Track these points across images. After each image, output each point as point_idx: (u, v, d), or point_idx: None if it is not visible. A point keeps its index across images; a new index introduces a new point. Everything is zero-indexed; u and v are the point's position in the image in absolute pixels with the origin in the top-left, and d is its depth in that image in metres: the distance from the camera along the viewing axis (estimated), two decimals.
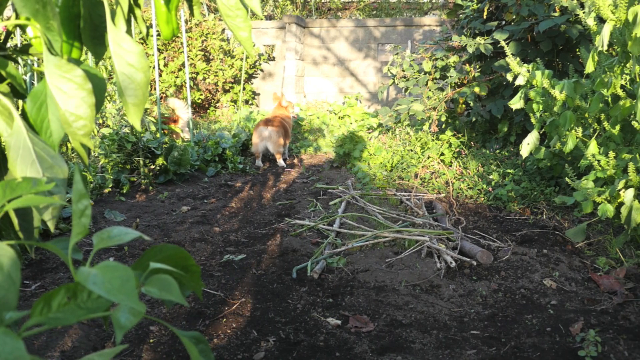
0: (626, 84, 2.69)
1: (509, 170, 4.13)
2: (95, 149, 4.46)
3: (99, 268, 0.59)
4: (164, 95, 9.38)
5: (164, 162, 4.74)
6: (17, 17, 0.81)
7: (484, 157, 4.78)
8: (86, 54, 4.19)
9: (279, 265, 2.75)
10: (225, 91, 10.65)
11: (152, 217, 3.67)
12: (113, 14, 0.84)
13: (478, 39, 4.94)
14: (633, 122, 2.48)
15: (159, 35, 8.46)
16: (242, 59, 10.47)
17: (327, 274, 2.65)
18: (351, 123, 9.09)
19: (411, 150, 5.45)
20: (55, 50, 0.75)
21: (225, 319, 2.17)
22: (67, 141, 3.85)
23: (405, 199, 4.04)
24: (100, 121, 5.00)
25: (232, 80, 10.52)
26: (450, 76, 5.47)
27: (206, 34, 10.29)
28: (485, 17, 5.28)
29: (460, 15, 5.78)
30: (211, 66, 10.15)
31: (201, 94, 10.16)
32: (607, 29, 2.34)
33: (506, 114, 5.06)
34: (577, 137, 2.95)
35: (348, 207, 3.95)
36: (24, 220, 0.83)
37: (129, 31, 0.88)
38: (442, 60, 5.67)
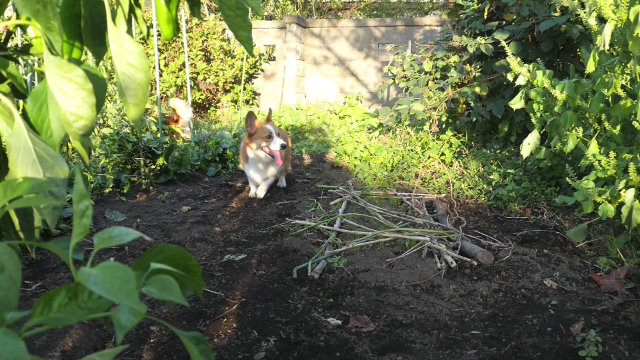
0: (627, 84, 2.69)
1: (509, 170, 4.13)
2: (96, 149, 4.46)
3: (100, 268, 0.59)
4: (165, 95, 9.38)
5: (165, 162, 4.74)
6: (18, 17, 0.82)
7: (485, 157, 4.78)
8: (86, 54, 4.19)
9: (279, 265, 2.76)
10: (226, 91, 10.66)
11: (152, 217, 3.67)
12: (114, 14, 0.84)
13: (479, 39, 4.94)
14: (634, 122, 2.48)
15: (159, 35, 8.48)
16: (242, 59, 10.48)
17: (328, 274, 2.65)
18: (352, 123, 9.10)
19: (412, 150, 5.45)
20: (55, 51, 0.75)
21: (225, 319, 2.17)
22: (67, 141, 3.85)
23: (406, 199, 4.04)
24: (101, 121, 5.00)
25: (233, 80, 10.53)
26: (451, 76, 5.47)
27: (207, 34, 10.30)
28: (485, 17, 5.28)
29: (461, 15, 5.78)
30: (212, 66, 10.16)
31: (202, 94, 10.17)
32: (608, 28, 2.34)
33: (507, 114, 5.06)
34: (577, 137, 2.95)
35: (348, 207, 3.95)
36: (24, 220, 0.83)
37: (129, 31, 0.88)
38: (443, 60, 5.67)
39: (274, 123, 4.23)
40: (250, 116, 4.03)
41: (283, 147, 3.93)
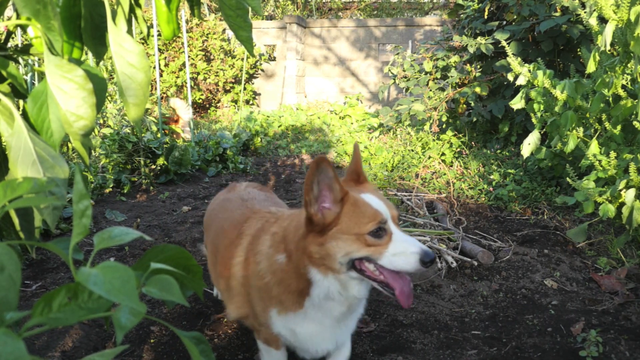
0: (627, 84, 2.68)
1: (510, 170, 4.13)
2: (96, 149, 4.47)
3: (100, 268, 0.59)
4: (165, 95, 9.39)
5: (165, 162, 4.74)
6: (18, 17, 0.81)
7: (485, 157, 4.78)
8: (86, 53, 4.19)
9: None
10: (226, 91, 10.66)
11: (153, 217, 3.67)
12: (114, 14, 0.84)
13: (479, 39, 4.94)
14: (634, 122, 2.48)
15: (159, 35, 8.48)
16: (242, 59, 10.48)
17: None
18: (352, 123, 9.10)
19: (412, 150, 5.45)
20: (56, 51, 0.75)
21: (226, 319, 2.17)
22: (67, 141, 3.86)
23: (406, 199, 4.04)
24: (101, 121, 5.00)
25: (233, 80, 10.53)
26: (451, 76, 5.47)
27: (207, 34, 10.30)
28: (486, 17, 5.28)
29: (461, 15, 5.77)
30: (212, 66, 10.16)
31: (202, 94, 10.17)
32: (609, 28, 2.34)
33: (507, 114, 5.06)
34: (578, 137, 2.95)
35: None
36: (25, 220, 0.83)
37: (129, 31, 0.88)
38: (443, 60, 5.67)
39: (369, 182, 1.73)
40: (324, 170, 1.42)
41: (429, 261, 1.35)
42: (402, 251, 1.35)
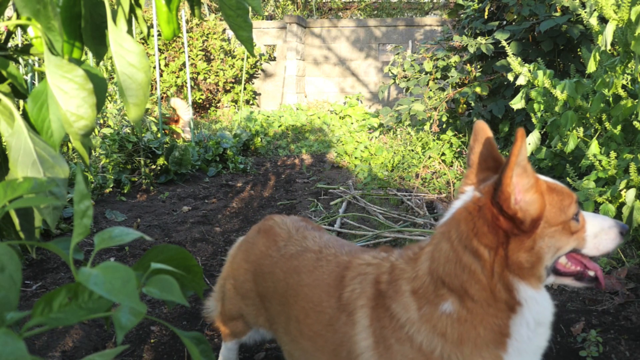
0: (627, 83, 2.68)
1: None
2: (96, 149, 4.47)
3: (100, 268, 0.59)
4: (165, 95, 9.39)
5: (165, 162, 4.74)
6: (18, 17, 0.81)
7: None
8: (86, 53, 4.19)
9: None
10: (226, 91, 10.67)
11: (153, 217, 3.67)
12: (114, 14, 0.84)
13: (479, 39, 4.94)
14: (634, 122, 2.48)
15: (159, 35, 8.48)
16: (243, 59, 10.49)
17: None
18: (352, 123, 9.11)
19: (412, 150, 5.45)
20: (56, 51, 0.75)
21: None
22: (68, 141, 3.85)
23: (406, 199, 4.03)
24: (101, 121, 5.00)
25: (233, 80, 10.53)
26: (452, 76, 5.47)
27: (207, 34, 10.31)
28: (486, 17, 5.28)
29: (462, 15, 5.78)
30: (212, 66, 10.16)
31: (202, 94, 10.17)
32: (610, 28, 2.34)
33: (507, 114, 5.06)
34: (578, 137, 2.95)
35: (349, 207, 3.95)
36: (25, 221, 0.83)
37: (130, 31, 0.88)
38: (443, 60, 5.67)
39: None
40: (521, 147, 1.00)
41: (626, 231, 1.17)
42: (601, 228, 1.10)
